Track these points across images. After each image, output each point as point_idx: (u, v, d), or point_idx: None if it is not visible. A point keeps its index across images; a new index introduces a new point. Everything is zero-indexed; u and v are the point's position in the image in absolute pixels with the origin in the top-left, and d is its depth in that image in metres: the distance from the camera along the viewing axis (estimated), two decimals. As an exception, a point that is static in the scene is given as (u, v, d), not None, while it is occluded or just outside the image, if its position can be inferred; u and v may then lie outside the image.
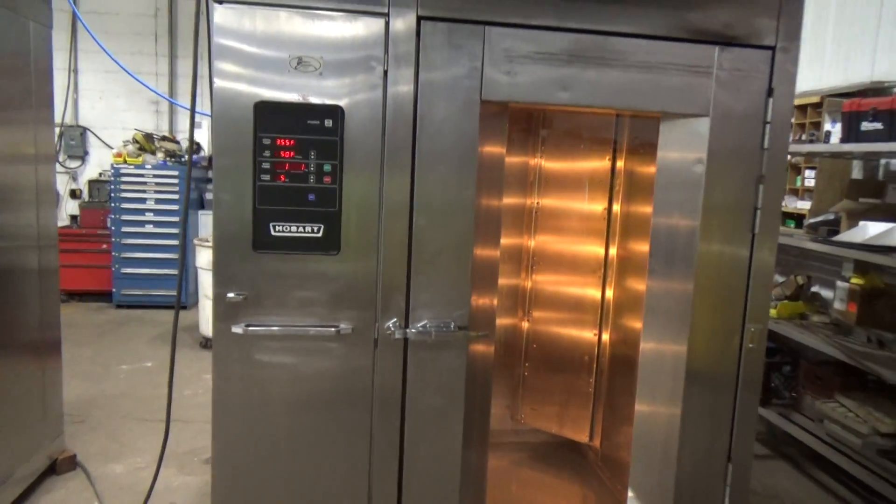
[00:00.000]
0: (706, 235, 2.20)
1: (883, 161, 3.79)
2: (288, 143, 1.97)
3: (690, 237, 2.23)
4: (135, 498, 3.00)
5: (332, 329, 2.06)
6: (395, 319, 2.08)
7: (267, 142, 1.96)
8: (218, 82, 1.94)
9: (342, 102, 1.98)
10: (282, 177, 1.98)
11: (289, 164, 1.98)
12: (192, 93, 2.29)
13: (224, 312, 2.02)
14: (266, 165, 1.97)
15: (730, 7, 2.11)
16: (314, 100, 1.97)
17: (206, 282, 5.55)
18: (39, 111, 3.03)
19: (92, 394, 4.30)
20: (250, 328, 2.02)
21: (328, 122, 1.97)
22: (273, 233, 2.00)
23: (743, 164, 2.18)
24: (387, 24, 1.97)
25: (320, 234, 2.02)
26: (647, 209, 2.48)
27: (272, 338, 2.05)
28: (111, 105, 7.45)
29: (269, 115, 1.95)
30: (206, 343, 5.61)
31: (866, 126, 3.17)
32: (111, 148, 7.19)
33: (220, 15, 1.91)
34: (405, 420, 2.13)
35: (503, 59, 2.03)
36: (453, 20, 1.99)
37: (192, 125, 2.38)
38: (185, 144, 7.15)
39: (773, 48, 2.14)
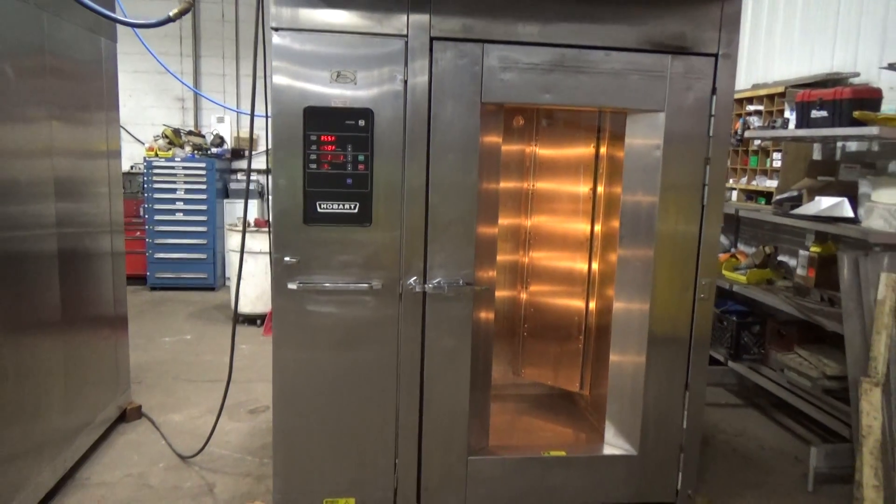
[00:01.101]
0: (664, 208, 2.74)
1: (839, 144, 4.28)
2: (330, 139, 2.51)
3: (651, 210, 2.76)
4: (194, 439, 3.56)
5: (366, 285, 2.61)
6: (415, 277, 2.62)
7: (314, 138, 2.50)
8: (275, 92, 2.48)
9: (372, 106, 2.52)
10: (325, 165, 2.52)
11: (331, 155, 2.52)
12: (251, 100, 2.81)
13: (281, 272, 2.57)
14: (313, 157, 2.51)
15: (679, 23, 2.62)
16: (350, 104, 2.50)
17: (236, 263, 6.10)
18: (109, 112, 3.57)
19: (144, 360, 4.86)
20: (302, 284, 2.57)
21: (361, 122, 2.51)
22: (319, 209, 2.55)
23: (693, 149, 2.71)
24: (406, 44, 2.50)
25: (356, 211, 2.57)
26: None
27: (319, 292, 2.59)
28: (140, 103, 7.98)
29: (315, 117, 2.49)
30: (238, 319, 6.16)
31: (815, 114, 3.65)
32: (142, 143, 7.74)
33: (278, 39, 2.44)
34: (424, 356, 2.68)
35: (498, 68, 2.56)
36: (458, 39, 2.52)
37: (252, 128, 2.89)
38: (209, 138, 7.69)
39: (715, 55, 2.66)
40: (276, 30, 2.44)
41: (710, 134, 2.69)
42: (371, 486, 2.75)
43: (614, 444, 2.98)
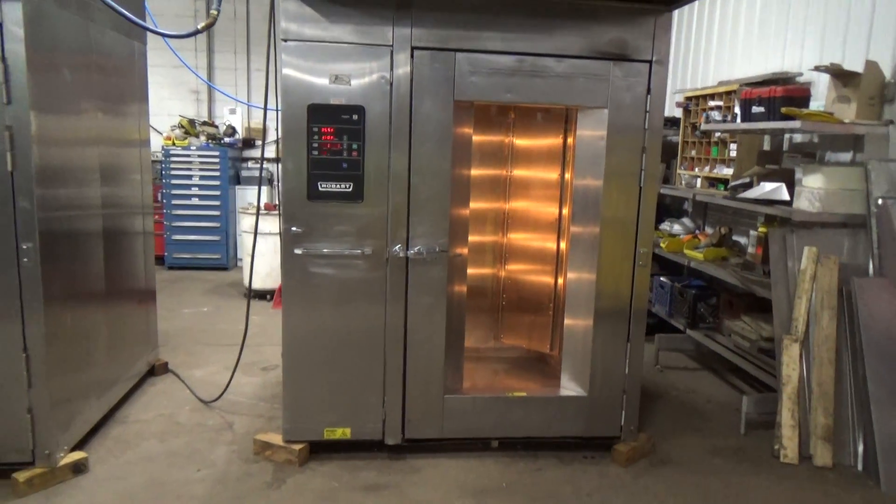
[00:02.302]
0: (608, 190, 3.27)
1: (787, 135, 4.78)
2: (329, 131, 3.05)
3: (598, 192, 3.29)
4: (214, 389, 4.12)
5: (359, 251, 3.16)
6: (399, 245, 3.17)
7: (316, 130, 3.05)
8: (284, 93, 3.02)
9: (363, 103, 3.06)
10: (325, 152, 3.07)
11: (330, 144, 3.07)
12: (264, 100, 3.35)
13: (289, 240, 3.12)
14: (315, 145, 3.06)
15: (619, 34, 3.14)
16: (346, 102, 3.04)
17: (248, 243, 6.68)
18: (141, 105, 4.13)
19: (167, 328, 5.42)
20: (305, 250, 3.13)
21: (355, 117, 3.05)
22: (320, 188, 3.10)
23: (631, 139, 3.24)
24: (391, 52, 3.04)
25: (350, 189, 3.11)
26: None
27: (320, 257, 3.15)
28: (157, 94, 8.43)
29: (317, 112, 3.03)
30: (246, 293, 6.74)
31: (754, 109, 4.16)
32: (160, 133, 8.29)
33: (286, 48, 2.98)
34: (407, 311, 3.24)
35: (468, 72, 3.10)
36: (434, 49, 3.06)
37: (265, 120, 3.43)
38: (222, 129, 8.25)
39: (650, 61, 3.18)
40: (286, 41, 2.99)
41: (646, 127, 3.22)
42: (364, 418, 3.31)
43: (568, 388, 3.53)
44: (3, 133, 2.76)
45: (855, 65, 3.98)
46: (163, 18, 8.24)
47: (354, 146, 3.08)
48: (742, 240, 5.15)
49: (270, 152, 8.38)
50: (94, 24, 3.43)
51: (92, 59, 3.41)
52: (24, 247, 2.84)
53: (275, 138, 7.24)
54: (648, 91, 3.20)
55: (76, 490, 3.02)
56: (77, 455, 3.17)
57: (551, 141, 4.15)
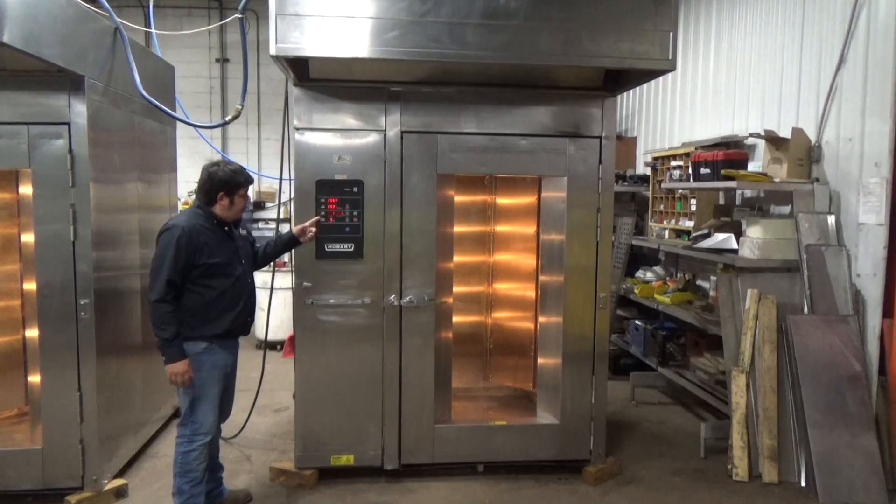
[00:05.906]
0: (570, 243, 3.85)
1: (738, 191, 5.39)
2: (334, 201, 3.67)
3: (561, 245, 3.88)
4: (233, 428, 4.59)
5: (360, 301, 3.73)
6: (394, 295, 3.74)
7: (323, 200, 3.66)
8: (297, 170, 3.65)
9: (362, 177, 3.68)
10: (331, 218, 3.68)
11: (334, 211, 3.68)
12: (279, 177, 3.97)
13: (301, 293, 3.70)
14: (322, 212, 3.67)
15: (574, 117, 3.79)
16: (347, 177, 3.67)
17: (259, 298, 7.24)
18: (171, 174, 4.80)
19: (186, 376, 5.95)
20: (315, 301, 3.70)
21: (355, 189, 3.67)
22: (327, 249, 3.69)
23: (587, 201, 3.84)
24: (384, 136, 3.68)
25: (352, 249, 3.71)
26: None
27: (327, 306, 3.72)
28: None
29: (324, 186, 3.66)
30: (259, 345, 7.27)
31: (702, 170, 4.79)
32: (178, 198, 8.99)
33: (299, 135, 3.63)
34: (402, 351, 3.78)
35: (448, 150, 3.73)
36: (420, 132, 3.71)
37: (280, 190, 4.06)
38: (235, 192, 8.95)
39: (600, 137, 3.82)
40: (297, 129, 3.64)
41: (599, 191, 3.83)
42: (365, 446, 3.82)
43: (543, 417, 4.04)
44: (68, 210, 3.39)
45: (789, 130, 4.61)
46: (183, 95, 8.95)
47: (355, 213, 3.69)
48: (706, 284, 5.71)
49: (281, 214, 9.03)
50: (136, 115, 4.11)
51: (134, 141, 4.08)
52: (82, 302, 3.43)
53: (283, 201, 7.93)
54: (600, 161, 3.82)
55: (119, 512, 3.52)
56: (118, 482, 3.68)
57: (528, 199, 4.72)
